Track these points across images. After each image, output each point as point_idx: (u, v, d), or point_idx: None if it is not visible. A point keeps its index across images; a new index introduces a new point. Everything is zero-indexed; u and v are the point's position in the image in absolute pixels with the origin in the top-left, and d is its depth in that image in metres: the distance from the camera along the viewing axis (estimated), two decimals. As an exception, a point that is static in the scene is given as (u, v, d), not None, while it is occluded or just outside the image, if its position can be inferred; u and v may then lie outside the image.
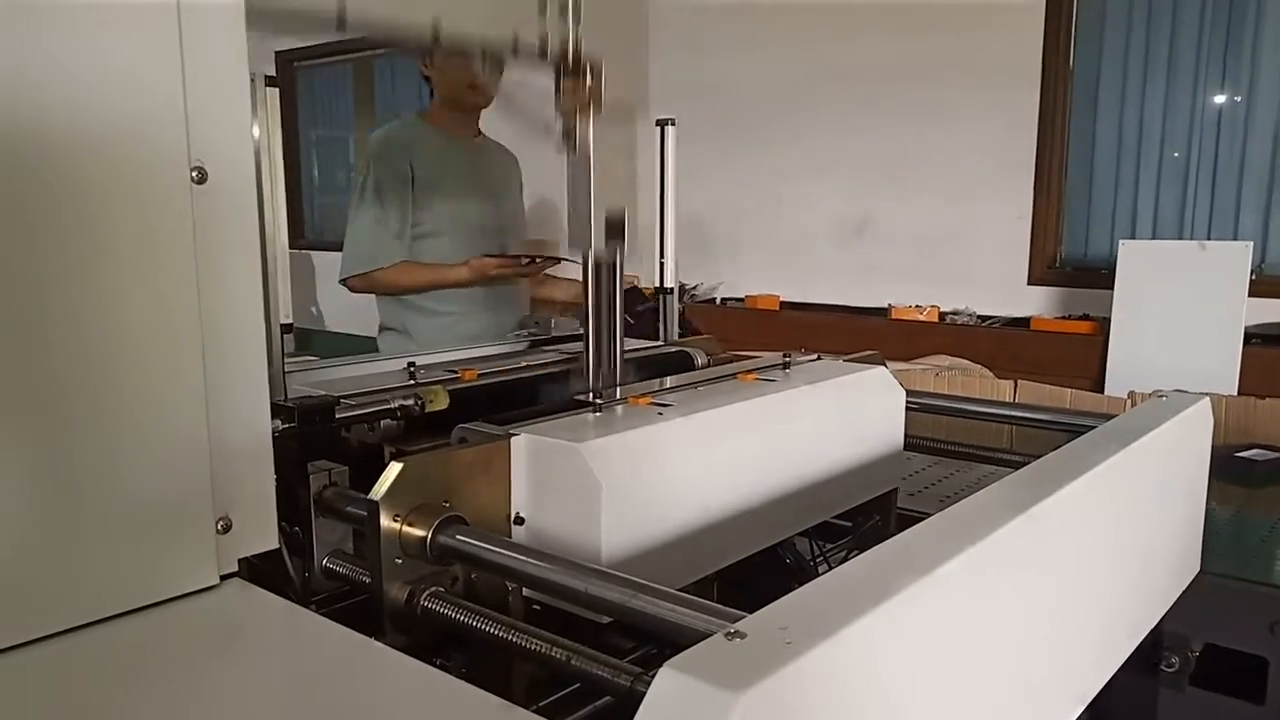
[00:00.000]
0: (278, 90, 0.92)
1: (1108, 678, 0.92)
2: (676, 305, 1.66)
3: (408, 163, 2.14)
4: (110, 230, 0.66)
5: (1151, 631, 1.05)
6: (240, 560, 0.77)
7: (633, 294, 2.28)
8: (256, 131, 0.87)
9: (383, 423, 1.03)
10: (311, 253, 6.65)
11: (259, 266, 0.76)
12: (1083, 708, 0.85)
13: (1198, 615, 1.22)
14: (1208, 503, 1.23)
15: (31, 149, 0.62)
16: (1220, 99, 3.70)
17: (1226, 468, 1.86)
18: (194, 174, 0.70)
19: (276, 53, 6.77)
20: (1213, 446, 1.18)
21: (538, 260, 2.21)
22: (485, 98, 2.23)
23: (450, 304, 2.18)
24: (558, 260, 2.24)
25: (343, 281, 2.17)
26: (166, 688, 0.61)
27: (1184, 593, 1.15)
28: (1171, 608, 1.12)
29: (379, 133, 2.27)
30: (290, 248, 0.94)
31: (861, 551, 0.65)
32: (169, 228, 0.68)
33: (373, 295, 2.23)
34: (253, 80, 0.85)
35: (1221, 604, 1.26)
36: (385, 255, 2.13)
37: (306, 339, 6.17)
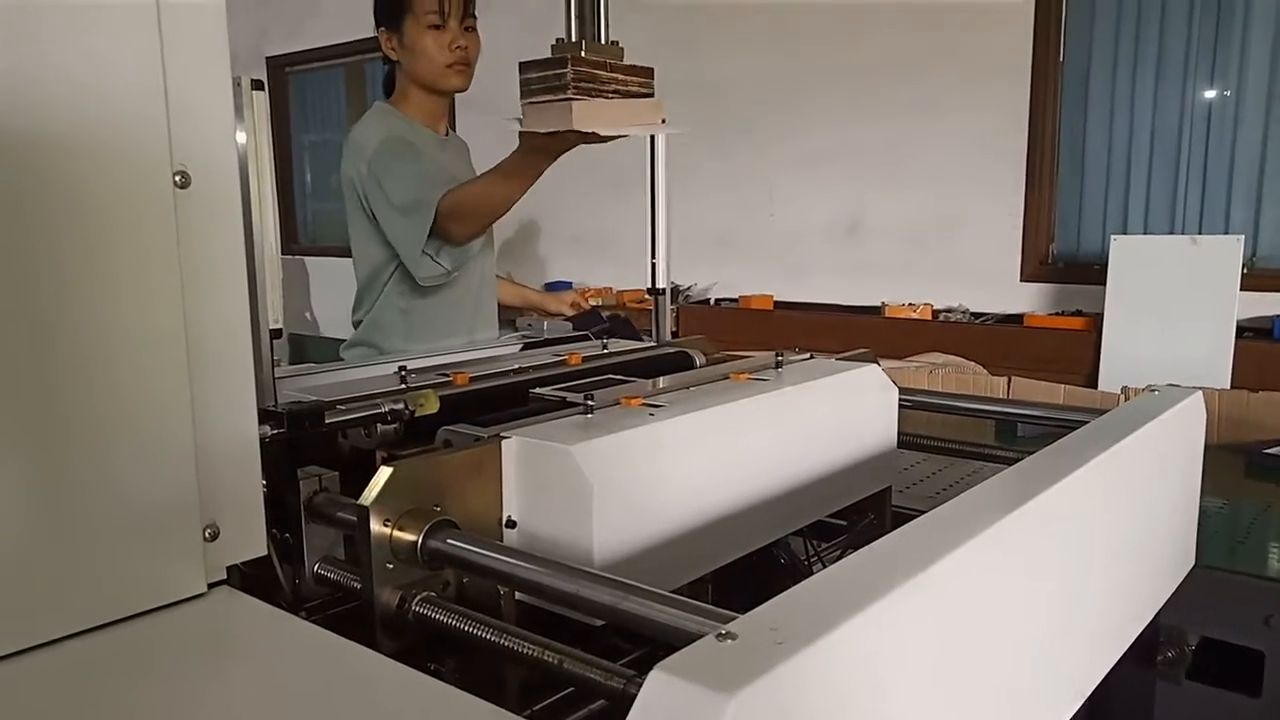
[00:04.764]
0: (264, 94, 0.92)
1: (1105, 672, 0.92)
2: (669, 306, 1.65)
3: (416, 157, 1.91)
4: (91, 235, 0.65)
5: (1148, 625, 1.05)
6: (231, 568, 0.77)
7: (590, 317, 2.20)
8: (243, 135, 0.87)
9: (378, 427, 1.02)
10: (305, 258, 6.63)
11: (244, 271, 0.75)
12: (1080, 702, 0.85)
13: (1194, 609, 1.22)
14: (1203, 497, 1.23)
15: (8, 153, 0.61)
16: (1210, 93, 3.71)
17: (1259, 464, 1.84)
18: (176, 178, 0.69)
19: (268, 58, 6.77)
20: (1239, 444, 1.18)
21: None
22: (465, 78, 1.99)
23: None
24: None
25: (445, 234, 1.84)
26: (152, 698, 0.61)
27: (1180, 586, 1.15)
28: (1167, 602, 1.12)
29: (370, 129, 1.97)
30: (283, 253, 0.94)
31: (856, 550, 0.65)
32: (151, 232, 0.68)
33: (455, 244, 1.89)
34: (238, 83, 0.85)
35: (1217, 597, 1.26)
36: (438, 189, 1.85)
37: (301, 345, 6.15)
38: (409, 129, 2.01)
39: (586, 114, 1.40)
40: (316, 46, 6.47)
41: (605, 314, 2.21)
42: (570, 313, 2.23)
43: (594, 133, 1.46)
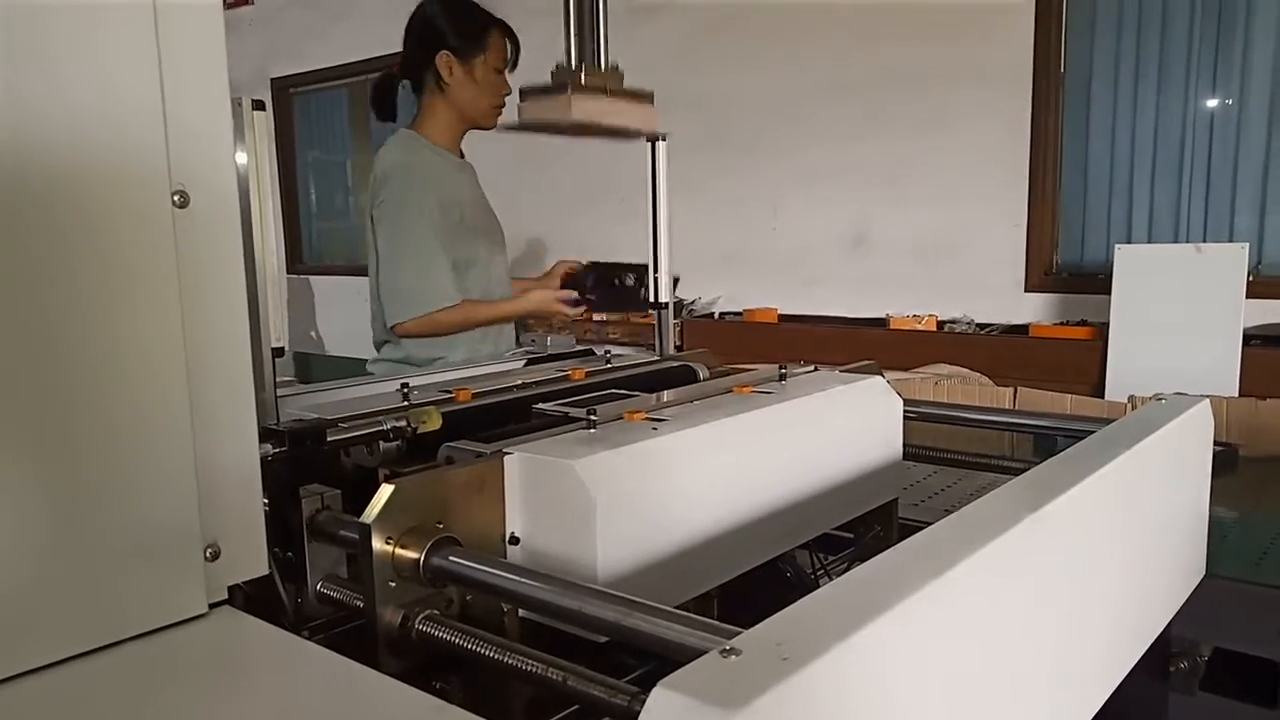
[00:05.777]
0: (265, 114, 0.92)
1: (1116, 684, 0.91)
2: (673, 320, 1.65)
3: (434, 188, 2.08)
4: (89, 254, 0.65)
5: (1160, 637, 1.04)
6: (233, 588, 0.76)
7: (583, 275, 2.19)
8: (243, 155, 0.87)
9: (381, 445, 1.02)
10: (310, 277, 6.65)
11: (245, 289, 0.75)
12: (1092, 714, 0.84)
13: (1205, 619, 1.21)
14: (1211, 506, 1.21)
15: (6, 173, 0.61)
16: (1212, 100, 3.71)
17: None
18: (175, 198, 0.69)
19: (272, 79, 6.82)
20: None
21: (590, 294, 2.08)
22: (496, 121, 2.18)
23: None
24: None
25: (394, 326, 2.03)
26: (154, 720, 0.60)
27: (1191, 596, 1.14)
28: (1179, 612, 1.11)
29: (392, 158, 2.12)
30: (288, 272, 0.94)
31: (863, 563, 0.64)
32: (150, 252, 0.68)
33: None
34: (238, 104, 0.85)
35: (1229, 607, 1.24)
36: (446, 294, 2.03)
37: (306, 363, 6.16)
38: (432, 154, 2.15)
39: (583, 106, 1.42)
40: (320, 68, 6.53)
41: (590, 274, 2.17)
42: (567, 280, 2.22)
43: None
